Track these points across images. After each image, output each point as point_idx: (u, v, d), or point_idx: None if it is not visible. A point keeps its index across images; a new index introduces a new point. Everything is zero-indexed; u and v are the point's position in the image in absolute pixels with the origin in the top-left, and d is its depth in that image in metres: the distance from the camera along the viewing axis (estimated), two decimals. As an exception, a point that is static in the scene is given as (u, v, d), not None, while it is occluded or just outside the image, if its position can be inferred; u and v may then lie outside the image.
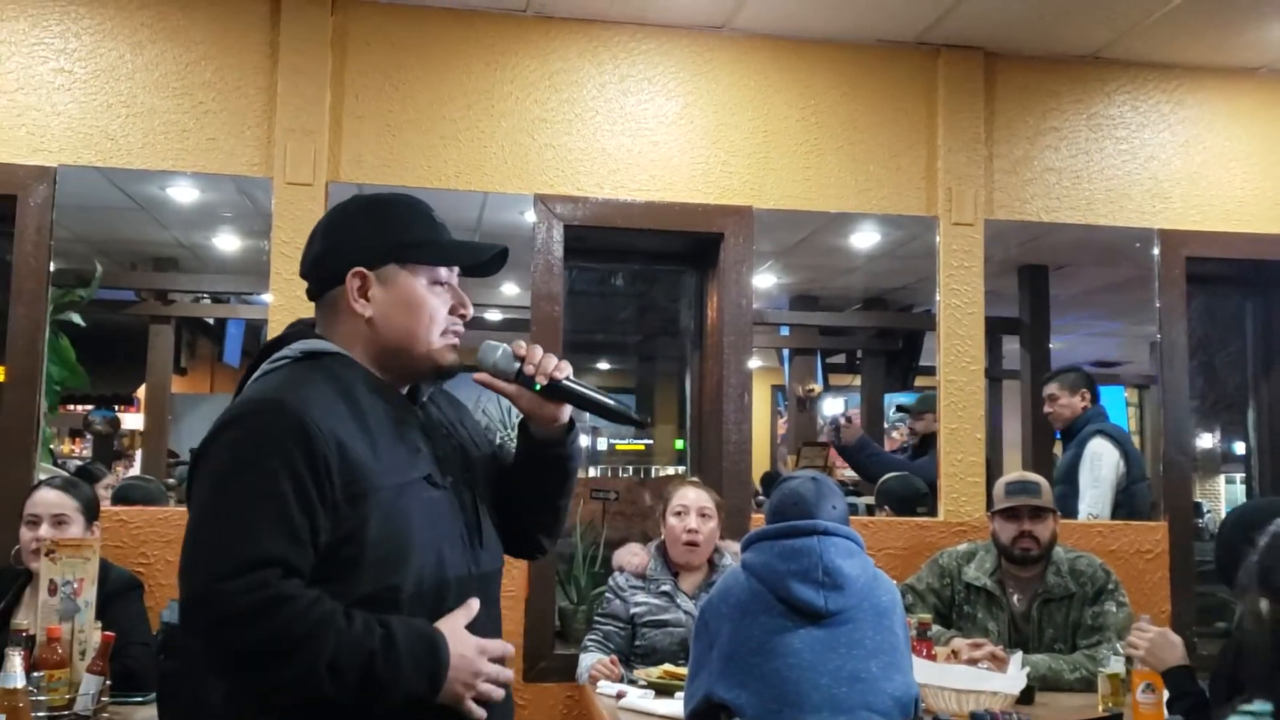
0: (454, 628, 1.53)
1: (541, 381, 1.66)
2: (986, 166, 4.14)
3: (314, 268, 1.69)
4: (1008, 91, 4.21)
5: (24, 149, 3.62)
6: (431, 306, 1.65)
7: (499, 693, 1.56)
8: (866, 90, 4.12)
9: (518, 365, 1.67)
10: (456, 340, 1.68)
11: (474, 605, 1.58)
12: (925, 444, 4.96)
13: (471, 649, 1.53)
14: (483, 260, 1.71)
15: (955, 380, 4.03)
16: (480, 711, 1.54)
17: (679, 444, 7.81)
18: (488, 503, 1.73)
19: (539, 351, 1.67)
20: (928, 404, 4.92)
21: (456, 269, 1.70)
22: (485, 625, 1.61)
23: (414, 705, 1.48)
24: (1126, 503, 4.27)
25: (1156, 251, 4.21)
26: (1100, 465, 4.30)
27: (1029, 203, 4.18)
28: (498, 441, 1.89)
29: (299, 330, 1.67)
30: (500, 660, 1.57)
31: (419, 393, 1.71)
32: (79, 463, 5.70)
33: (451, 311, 1.67)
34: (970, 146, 4.10)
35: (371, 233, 1.66)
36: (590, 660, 3.30)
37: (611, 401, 1.71)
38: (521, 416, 1.74)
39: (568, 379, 1.68)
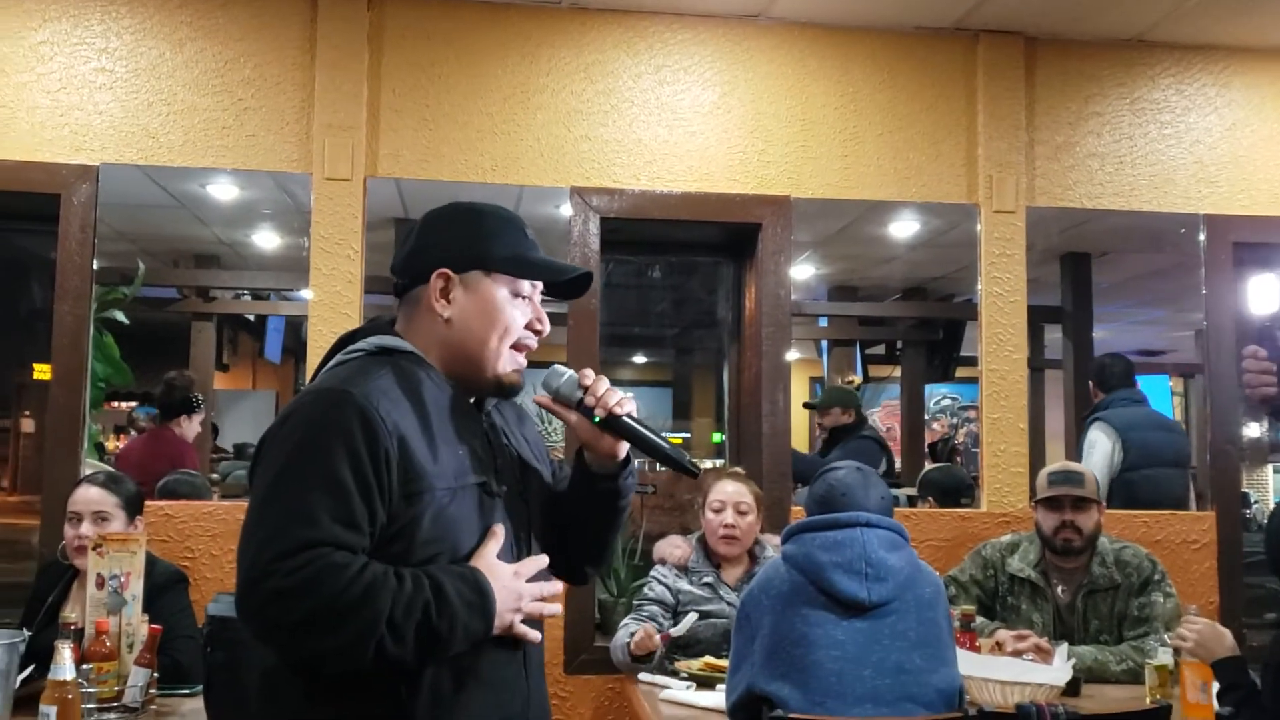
0: (488, 560, 1.56)
1: (600, 414, 1.67)
2: (1028, 153, 4.09)
3: (403, 264, 1.72)
4: (1049, 76, 4.15)
5: (67, 148, 3.66)
6: (509, 316, 1.67)
7: (549, 608, 1.61)
8: (905, 77, 4.08)
9: (580, 395, 1.68)
10: (523, 361, 1.70)
11: (500, 531, 1.60)
12: (834, 437, 4.99)
13: (508, 575, 1.57)
14: (565, 280, 1.72)
15: (997, 370, 3.99)
16: (534, 634, 1.59)
17: (716, 437, 7.79)
18: (540, 515, 1.75)
19: (604, 384, 1.69)
20: (831, 399, 5.05)
21: (539, 285, 1.72)
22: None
23: (473, 644, 1.51)
24: (1121, 491, 4.22)
25: (1202, 237, 4.14)
26: (1092, 453, 4.31)
27: (1071, 189, 4.13)
28: (558, 460, 1.91)
29: (377, 326, 1.70)
30: (536, 578, 1.61)
31: (484, 400, 1.73)
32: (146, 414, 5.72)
33: (528, 326, 1.69)
34: (1011, 133, 4.05)
35: (463, 237, 1.69)
36: (626, 633, 3.28)
37: (667, 446, 1.70)
38: (579, 445, 1.75)
39: (628, 416, 1.69)
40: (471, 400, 1.70)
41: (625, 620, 3.40)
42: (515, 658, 1.63)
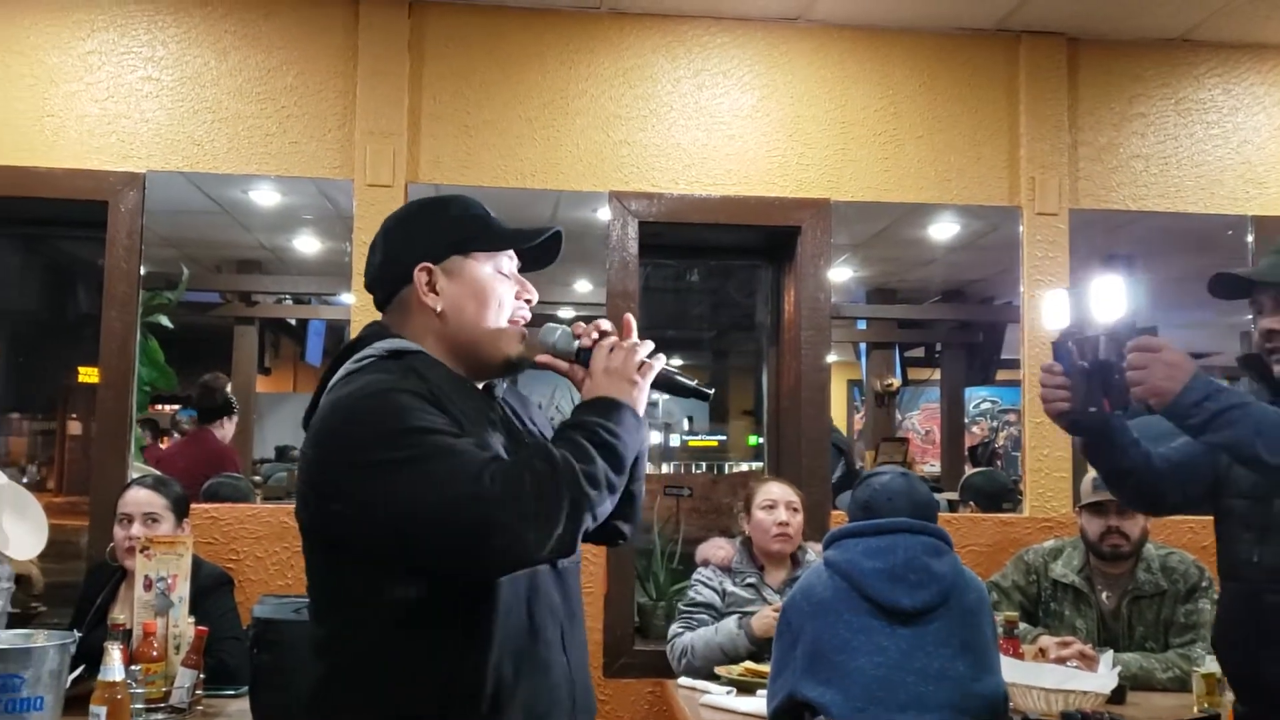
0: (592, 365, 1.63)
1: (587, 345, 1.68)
2: (1070, 154, 4.05)
3: (379, 274, 1.73)
4: (1092, 77, 4.11)
5: (114, 156, 3.72)
6: (498, 291, 1.68)
7: (647, 346, 1.65)
8: (946, 79, 4.05)
9: (576, 344, 1.68)
10: (523, 329, 1.71)
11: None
12: None
13: (605, 353, 1.63)
14: (539, 243, 1.73)
15: (1038, 374, 3.94)
16: (657, 367, 1.64)
17: (753, 440, 7.78)
18: None
19: (600, 327, 1.69)
20: None
21: (516, 261, 1.73)
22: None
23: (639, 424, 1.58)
24: None
25: (1250, 239, 4.08)
26: None
27: (1115, 191, 4.09)
28: None
29: (376, 331, 1.69)
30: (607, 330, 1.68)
31: (494, 388, 1.73)
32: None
33: (517, 297, 1.71)
34: (1054, 134, 4.02)
35: (431, 229, 1.70)
36: (686, 641, 3.28)
37: (677, 374, 1.70)
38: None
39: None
40: (482, 387, 1.70)
41: (674, 628, 3.40)
42: (557, 644, 1.62)
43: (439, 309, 1.65)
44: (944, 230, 4.62)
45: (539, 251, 1.76)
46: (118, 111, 3.74)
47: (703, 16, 3.96)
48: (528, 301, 1.72)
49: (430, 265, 1.66)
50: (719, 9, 3.92)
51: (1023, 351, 4.01)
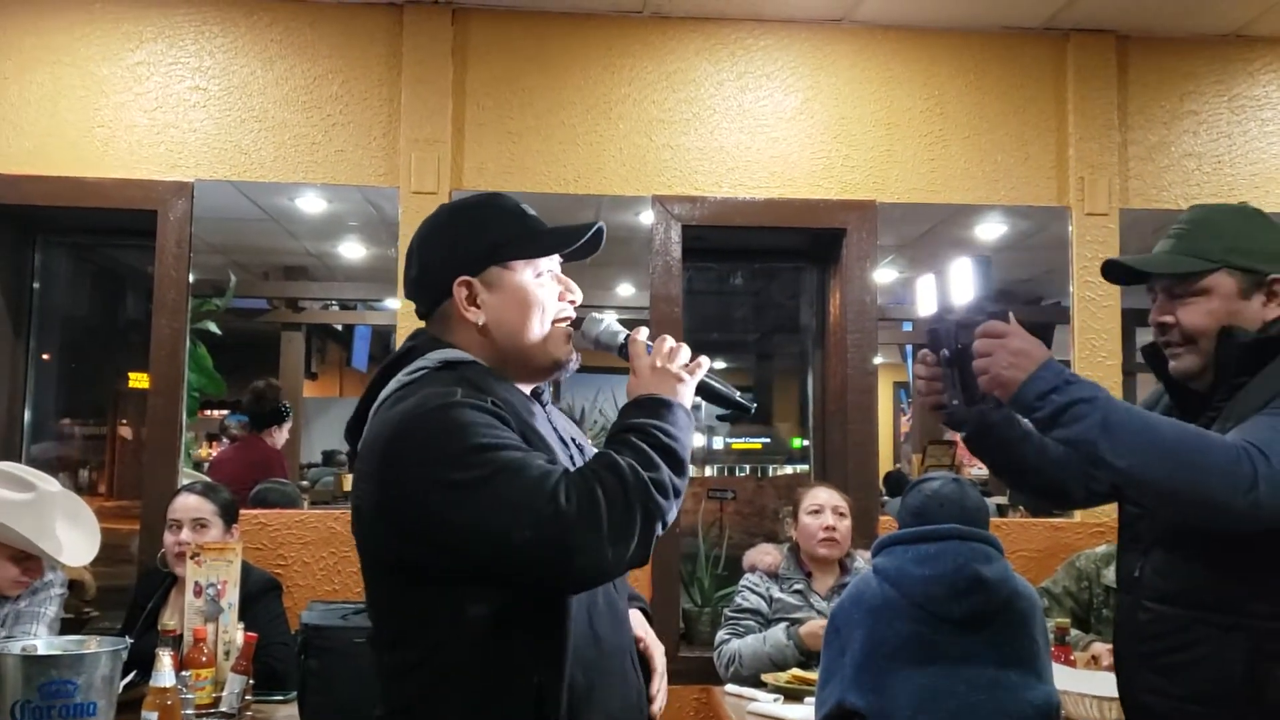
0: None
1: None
2: (1121, 154, 3.99)
3: (418, 286, 1.70)
4: (1142, 75, 4.05)
5: (163, 165, 3.76)
6: (541, 297, 1.65)
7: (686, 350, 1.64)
8: (993, 78, 4.01)
9: (622, 338, 1.66)
10: (569, 329, 1.69)
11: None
12: None
13: (642, 354, 1.62)
14: (579, 244, 1.69)
15: (1091, 375, 3.77)
16: (705, 364, 1.64)
17: (797, 442, 7.73)
18: None
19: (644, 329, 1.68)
20: None
21: (557, 258, 1.70)
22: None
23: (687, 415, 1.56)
24: None
25: (1307, 237, 3.99)
26: None
27: (1166, 190, 4.02)
28: None
29: (425, 342, 1.65)
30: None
31: (542, 397, 1.72)
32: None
33: (560, 299, 1.68)
34: (1103, 133, 3.95)
35: (465, 239, 1.66)
36: (734, 649, 3.26)
37: (722, 388, 1.69)
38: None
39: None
40: (530, 392, 1.69)
41: (722, 634, 3.38)
42: (626, 651, 1.63)
43: (482, 322, 1.63)
44: (991, 231, 4.57)
45: (582, 245, 1.72)
46: (166, 121, 3.78)
47: (746, 19, 3.94)
48: (571, 302, 1.70)
49: (469, 279, 1.63)
50: (762, 11, 3.90)
51: (1072, 353, 3.95)
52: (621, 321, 1.72)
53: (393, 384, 1.58)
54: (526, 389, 1.68)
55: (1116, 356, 3.92)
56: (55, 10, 3.77)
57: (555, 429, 1.69)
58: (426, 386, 1.54)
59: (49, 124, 3.74)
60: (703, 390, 1.66)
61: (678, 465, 1.49)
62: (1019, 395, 1.82)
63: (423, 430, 1.47)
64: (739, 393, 1.71)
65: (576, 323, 1.71)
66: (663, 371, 1.59)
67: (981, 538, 2.29)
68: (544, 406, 1.71)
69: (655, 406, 1.54)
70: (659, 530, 1.46)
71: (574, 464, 1.61)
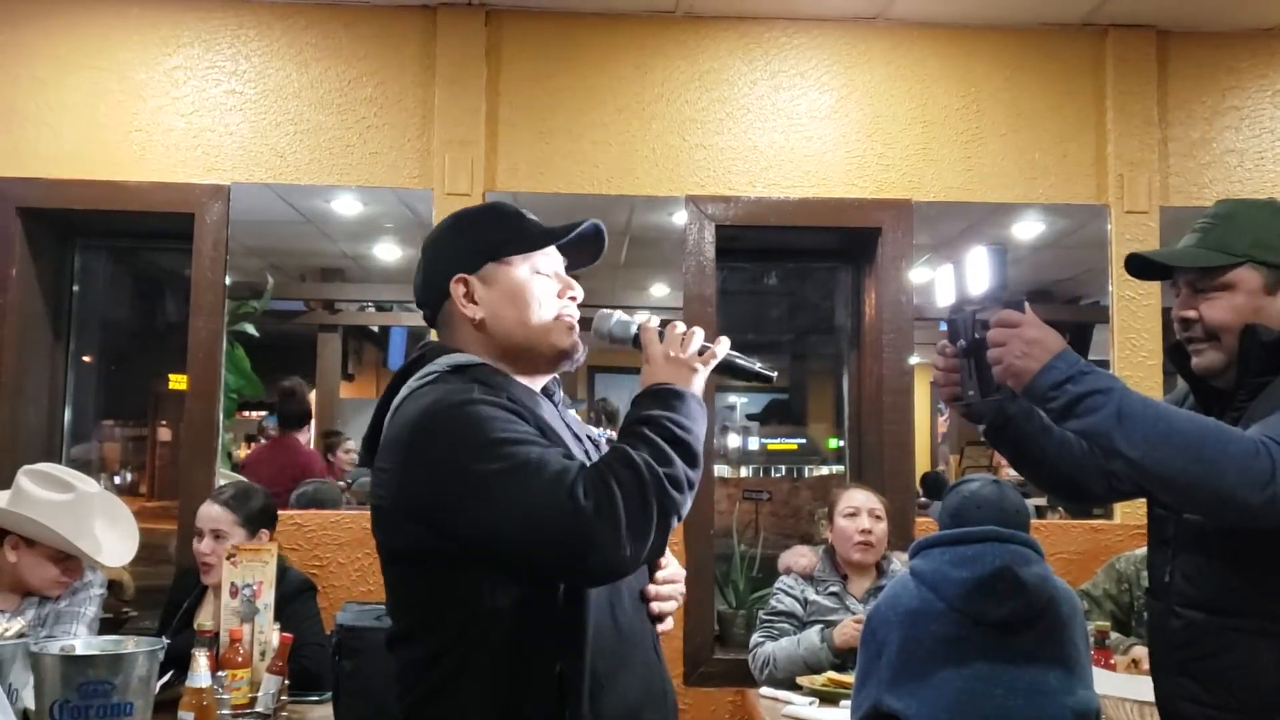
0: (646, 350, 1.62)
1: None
2: (1161, 151, 3.93)
3: (423, 291, 1.73)
4: (1182, 70, 3.99)
5: (200, 168, 3.79)
6: (537, 292, 1.67)
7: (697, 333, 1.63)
8: (1030, 75, 3.96)
9: (634, 330, 1.66)
10: (572, 320, 1.69)
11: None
12: None
13: (654, 341, 1.61)
14: (579, 240, 1.71)
15: (1130, 375, 3.83)
16: (720, 353, 1.64)
17: (832, 443, 7.68)
18: None
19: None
20: None
21: (559, 259, 1.72)
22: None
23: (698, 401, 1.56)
24: None
25: (1353, 234, 3.91)
26: None
27: (1207, 187, 3.96)
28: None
29: (433, 348, 1.67)
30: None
31: (554, 397, 1.73)
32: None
33: (560, 295, 1.69)
34: (1143, 130, 3.90)
35: (463, 240, 1.70)
36: (768, 652, 3.25)
37: (742, 360, 1.69)
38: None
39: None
40: (540, 390, 1.69)
41: (756, 638, 3.36)
42: (647, 638, 1.63)
43: (478, 318, 1.65)
44: (1029, 229, 4.51)
45: (584, 249, 1.74)
46: (203, 125, 3.81)
47: (779, 18, 3.92)
48: (573, 299, 1.71)
49: (466, 276, 1.66)
50: (795, 10, 3.88)
51: (1112, 352, 3.90)
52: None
53: (405, 390, 1.61)
54: (536, 386, 1.69)
55: (1157, 356, 3.86)
56: (92, 16, 3.81)
57: (568, 425, 1.70)
58: (439, 388, 1.56)
59: (87, 128, 3.78)
60: (725, 367, 1.66)
61: (691, 458, 1.49)
62: (1033, 385, 1.79)
63: (444, 424, 1.48)
64: (759, 363, 1.71)
65: (586, 322, 1.71)
66: (676, 360, 1.59)
67: (1020, 540, 2.25)
68: (556, 405, 1.72)
69: (668, 397, 1.54)
70: (674, 524, 1.47)
71: (589, 459, 1.60)
